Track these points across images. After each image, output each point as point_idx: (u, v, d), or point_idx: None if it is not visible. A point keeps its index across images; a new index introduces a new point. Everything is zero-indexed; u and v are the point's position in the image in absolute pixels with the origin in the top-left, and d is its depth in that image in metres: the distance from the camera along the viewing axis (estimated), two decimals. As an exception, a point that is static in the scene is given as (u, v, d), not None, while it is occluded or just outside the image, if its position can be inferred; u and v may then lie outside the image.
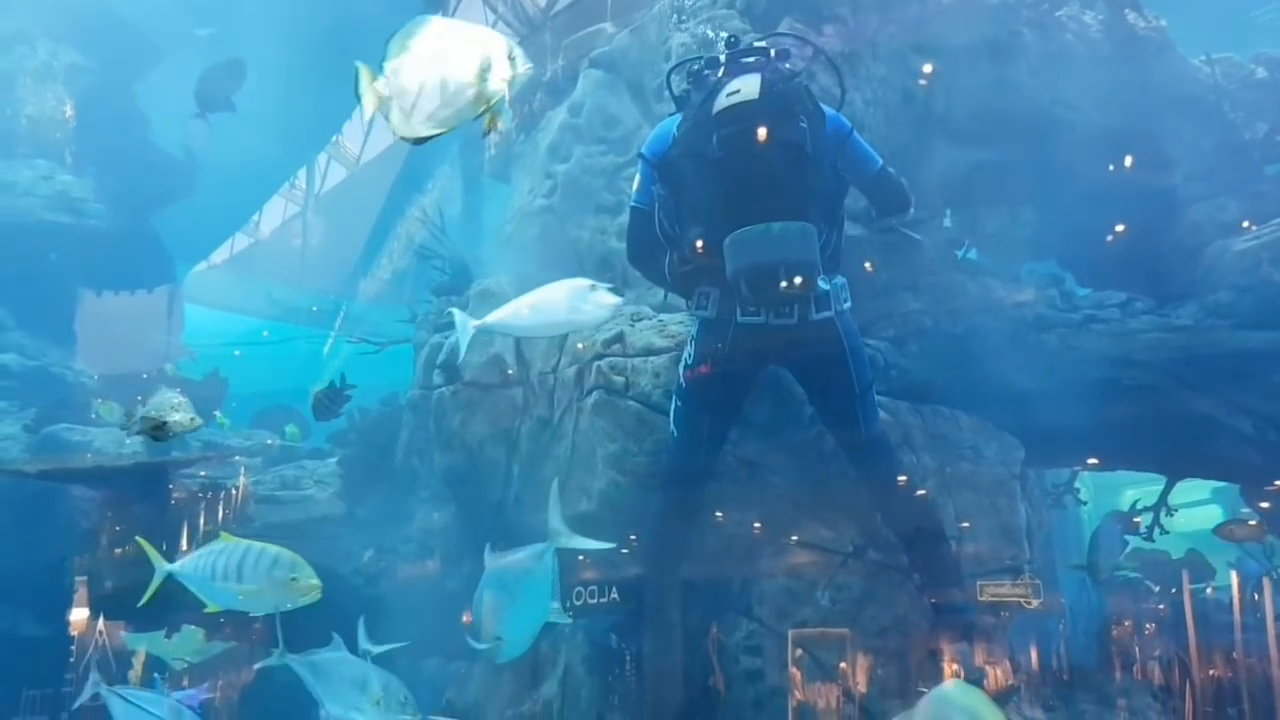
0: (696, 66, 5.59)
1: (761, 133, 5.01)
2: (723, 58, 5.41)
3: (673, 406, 5.61)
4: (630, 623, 5.79)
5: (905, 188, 5.75)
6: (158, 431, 4.76)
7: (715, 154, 5.07)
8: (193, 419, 4.73)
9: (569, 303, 4.65)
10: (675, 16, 7.46)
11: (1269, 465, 6.89)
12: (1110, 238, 7.04)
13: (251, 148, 14.26)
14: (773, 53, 5.40)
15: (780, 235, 4.93)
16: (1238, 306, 6.53)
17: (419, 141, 3.92)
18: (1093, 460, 7.57)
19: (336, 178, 18.08)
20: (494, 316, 4.79)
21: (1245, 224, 6.87)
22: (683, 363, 5.54)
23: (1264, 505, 7.46)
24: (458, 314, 4.79)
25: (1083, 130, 6.94)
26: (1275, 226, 6.65)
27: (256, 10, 12.79)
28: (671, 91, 5.83)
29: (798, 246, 4.95)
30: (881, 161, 5.60)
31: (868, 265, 6.23)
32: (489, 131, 3.90)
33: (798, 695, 5.31)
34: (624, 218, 7.24)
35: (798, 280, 4.92)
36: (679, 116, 5.56)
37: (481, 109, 3.72)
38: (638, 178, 5.67)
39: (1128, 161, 6.88)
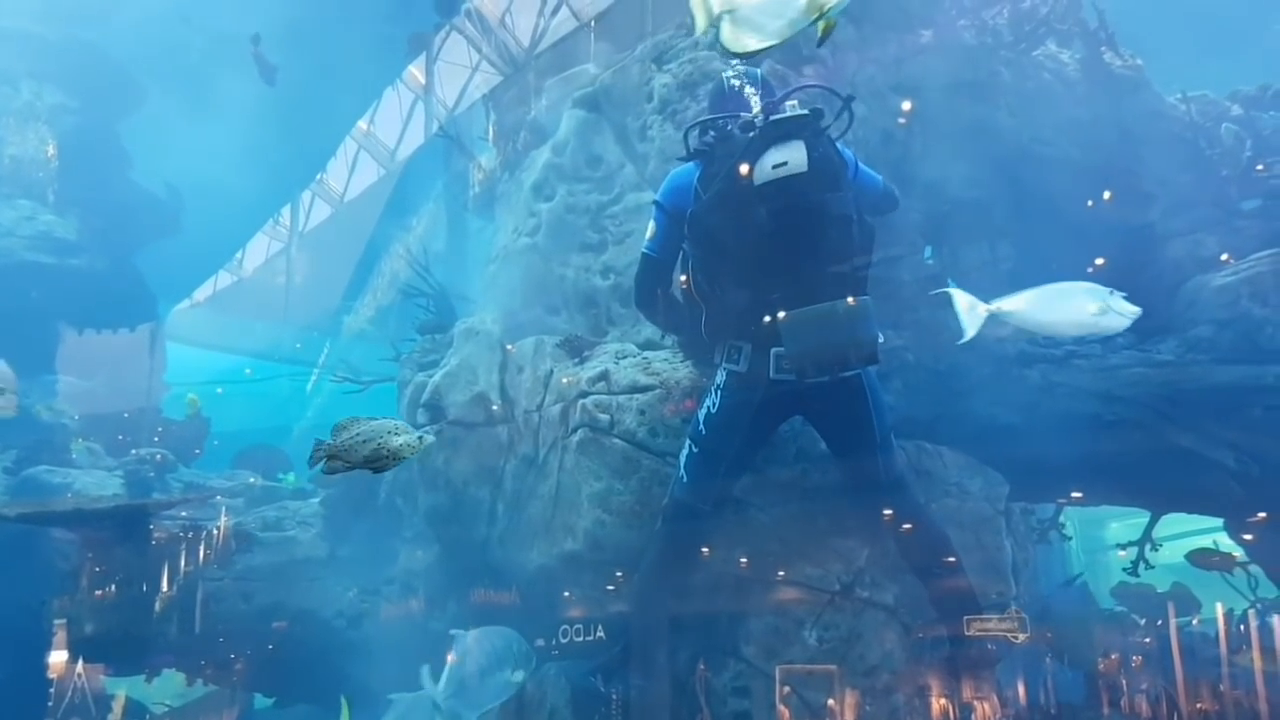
0: (721, 123, 5.45)
1: (814, 206, 4.97)
2: (758, 120, 5.22)
3: (686, 452, 5.57)
4: (616, 664, 5.75)
5: (895, 193, 5.77)
6: (382, 461, 4.36)
7: (766, 227, 4.97)
8: (421, 439, 4.48)
9: (1094, 307, 4.50)
10: (657, 58, 7.53)
11: (1251, 499, 6.91)
12: (1090, 272, 7.10)
13: (235, 186, 14.27)
14: (809, 114, 5.16)
15: (845, 316, 4.89)
16: (1218, 341, 6.59)
17: (748, 55, 3.84)
18: (1077, 495, 7.58)
19: (321, 215, 18.06)
20: (1008, 305, 4.61)
21: (1224, 257, 6.95)
22: (705, 411, 5.49)
23: (1247, 538, 7.46)
24: (960, 294, 4.57)
25: (1061, 167, 7.02)
26: (1253, 262, 6.73)
27: (242, 50, 12.82)
28: (687, 143, 5.67)
29: (862, 326, 4.93)
30: (881, 178, 5.61)
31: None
32: (823, 40, 3.79)
33: (786, 735, 5.28)
34: (608, 256, 7.32)
35: (862, 358, 4.95)
36: (697, 168, 5.45)
37: (814, 16, 3.62)
38: (652, 225, 5.60)
39: (1106, 197, 6.96)
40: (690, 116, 7.12)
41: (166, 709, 8.70)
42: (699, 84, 7.15)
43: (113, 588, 7.48)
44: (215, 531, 7.70)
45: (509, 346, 7.20)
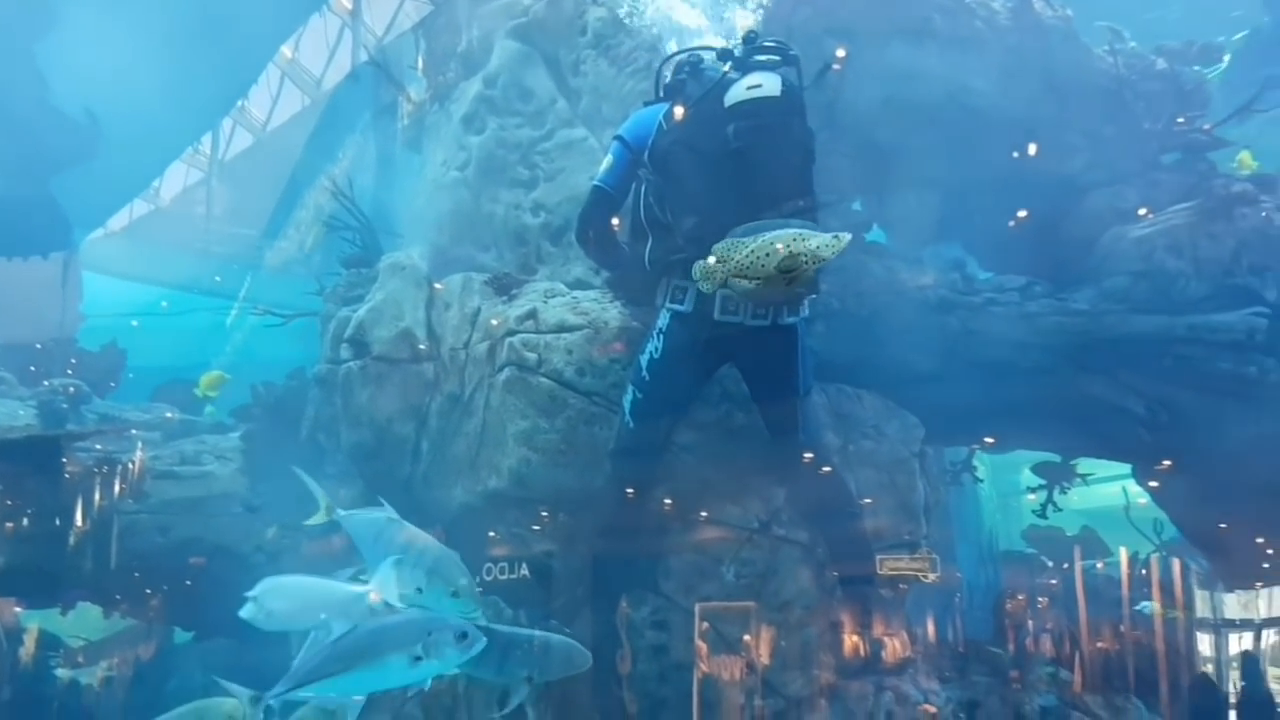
0: (694, 58, 5.58)
1: (781, 129, 5.06)
2: (737, 50, 5.34)
3: (629, 397, 5.61)
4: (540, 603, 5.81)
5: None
6: (801, 269, 3.96)
7: (731, 145, 5.02)
8: (837, 237, 4.00)
9: None
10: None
11: (1160, 445, 7.15)
12: (1012, 222, 7.21)
13: (153, 112, 13.77)
14: (790, 53, 5.37)
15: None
16: (1133, 292, 6.78)
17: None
18: (989, 439, 7.78)
19: (242, 144, 17.51)
20: None
21: (1142, 211, 7.09)
22: (647, 356, 5.50)
23: (1153, 485, 7.73)
24: None
25: (989, 116, 7.09)
26: (1170, 214, 6.90)
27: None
28: (658, 83, 5.80)
29: None
30: None
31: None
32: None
33: (703, 667, 5.39)
34: (538, 193, 7.26)
35: (811, 278, 4.79)
36: (663, 107, 5.54)
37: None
38: (609, 159, 5.65)
39: (1031, 148, 7.05)
40: (624, 52, 7.06)
41: (84, 643, 8.58)
42: (633, 18, 7.06)
43: (25, 520, 7.31)
44: (130, 465, 7.54)
45: (436, 284, 7.11)
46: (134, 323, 14.57)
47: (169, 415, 9.25)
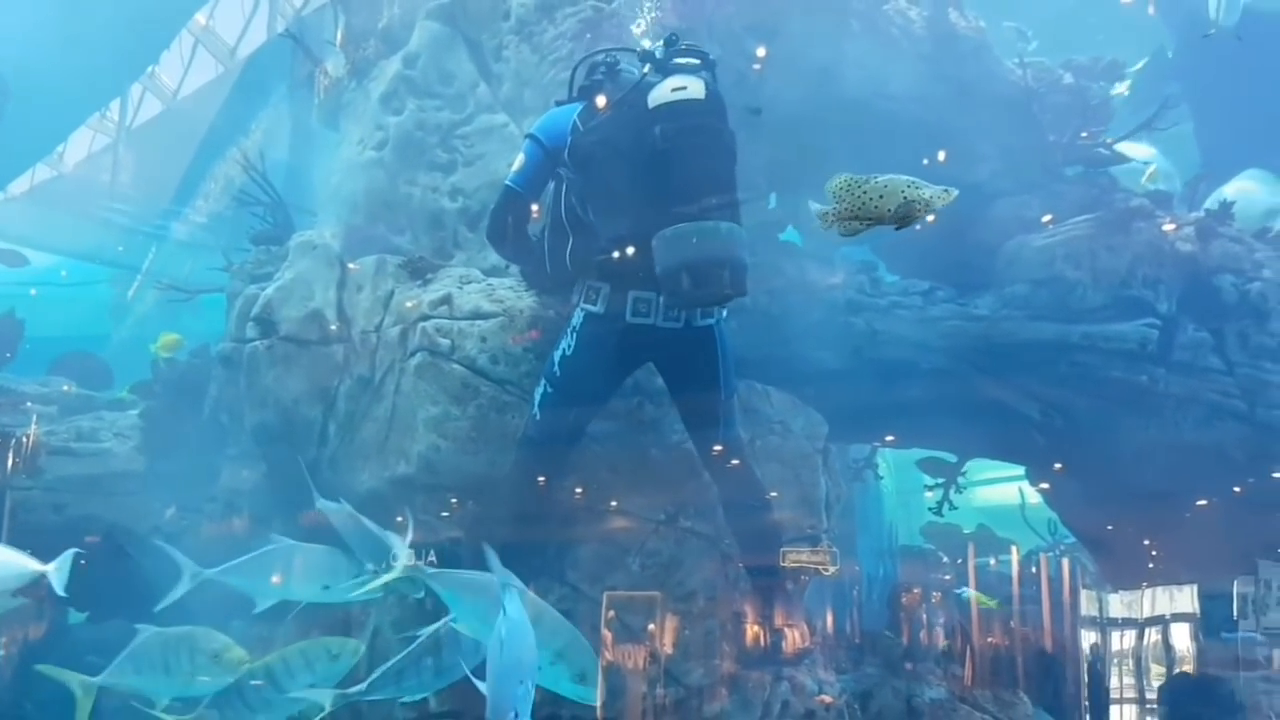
0: (611, 59, 5.63)
1: (706, 130, 5.13)
2: (658, 53, 5.40)
3: (540, 390, 5.61)
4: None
5: None
6: (913, 216, 3.86)
7: (658, 146, 5.05)
8: (947, 190, 4.07)
9: None
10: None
11: (1053, 449, 7.42)
12: (919, 227, 7.37)
13: (59, 74, 13.29)
14: (710, 58, 5.46)
15: (728, 235, 4.96)
16: (1032, 299, 7.03)
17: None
18: (890, 437, 7.99)
19: (151, 111, 16.97)
20: None
21: (1046, 219, 7.33)
22: (560, 353, 5.52)
23: (1044, 486, 8.02)
24: None
25: (902, 121, 7.24)
26: (1071, 225, 7.16)
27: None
28: (572, 84, 5.82)
29: (740, 249, 5.03)
30: None
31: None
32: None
33: (607, 656, 5.45)
34: (457, 177, 7.20)
35: (736, 283, 4.98)
36: (577, 106, 5.57)
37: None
38: (521, 159, 5.64)
39: (941, 155, 7.23)
40: (548, 40, 7.04)
41: (-29, 620, 8.30)
42: (556, 7, 7.06)
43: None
44: (24, 439, 7.31)
45: (350, 265, 7.02)
46: (33, 291, 14.09)
47: (67, 389, 8.99)
